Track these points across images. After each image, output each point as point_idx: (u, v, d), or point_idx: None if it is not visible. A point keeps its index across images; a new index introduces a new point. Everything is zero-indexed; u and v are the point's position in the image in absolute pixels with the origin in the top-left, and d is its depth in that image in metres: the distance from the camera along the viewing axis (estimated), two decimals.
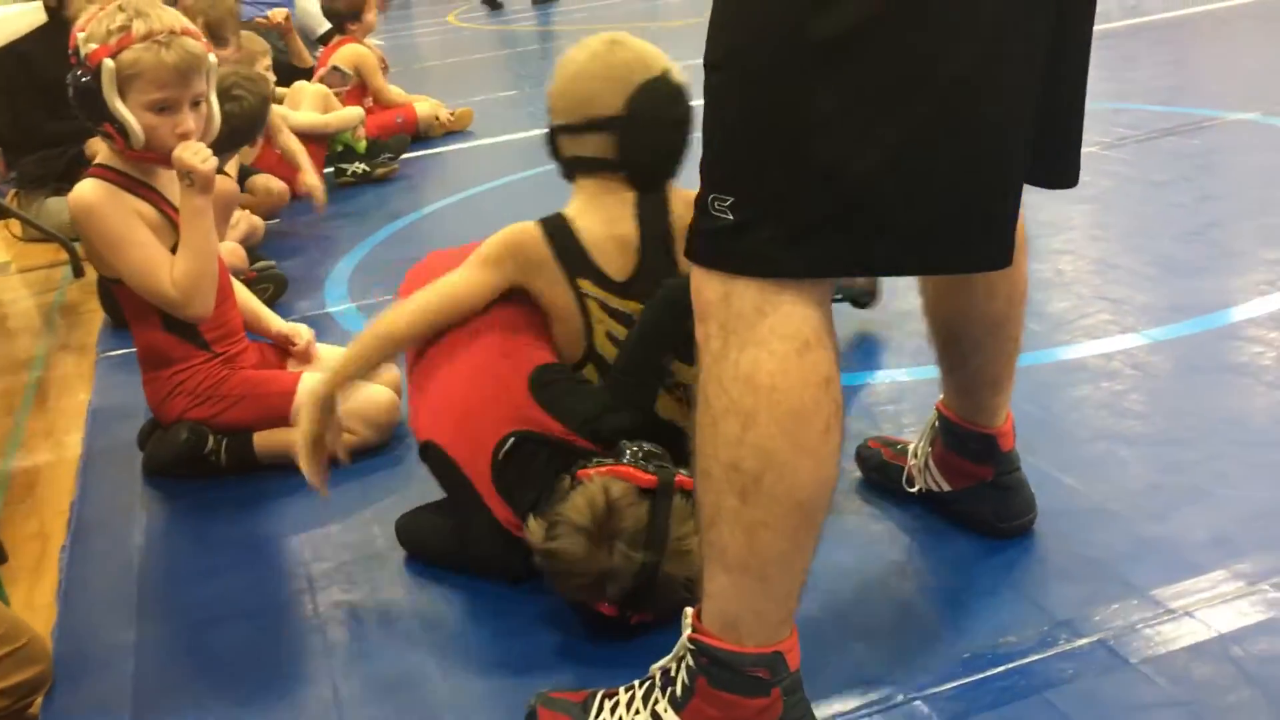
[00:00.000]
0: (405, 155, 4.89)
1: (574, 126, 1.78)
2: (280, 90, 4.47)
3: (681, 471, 1.54)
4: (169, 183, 2.24)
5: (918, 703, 1.41)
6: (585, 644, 1.62)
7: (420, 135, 5.22)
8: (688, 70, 1.80)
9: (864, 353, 2.44)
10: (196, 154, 2.14)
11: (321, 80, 4.81)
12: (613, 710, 1.37)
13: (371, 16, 5.26)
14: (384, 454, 2.28)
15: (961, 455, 1.73)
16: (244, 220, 3.59)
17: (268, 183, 3.96)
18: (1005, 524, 1.72)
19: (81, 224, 2.23)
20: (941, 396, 1.74)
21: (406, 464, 2.24)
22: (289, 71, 5.24)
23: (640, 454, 1.59)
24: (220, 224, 2.96)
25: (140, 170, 2.23)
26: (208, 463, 2.26)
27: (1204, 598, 1.52)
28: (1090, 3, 1.31)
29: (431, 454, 1.80)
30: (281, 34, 5.51)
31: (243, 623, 1.80)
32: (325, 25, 5.77)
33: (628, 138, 1.75)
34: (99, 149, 2.31)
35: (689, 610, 1.31)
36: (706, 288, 1.18)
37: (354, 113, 4.58)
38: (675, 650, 1.33)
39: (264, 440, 2.27)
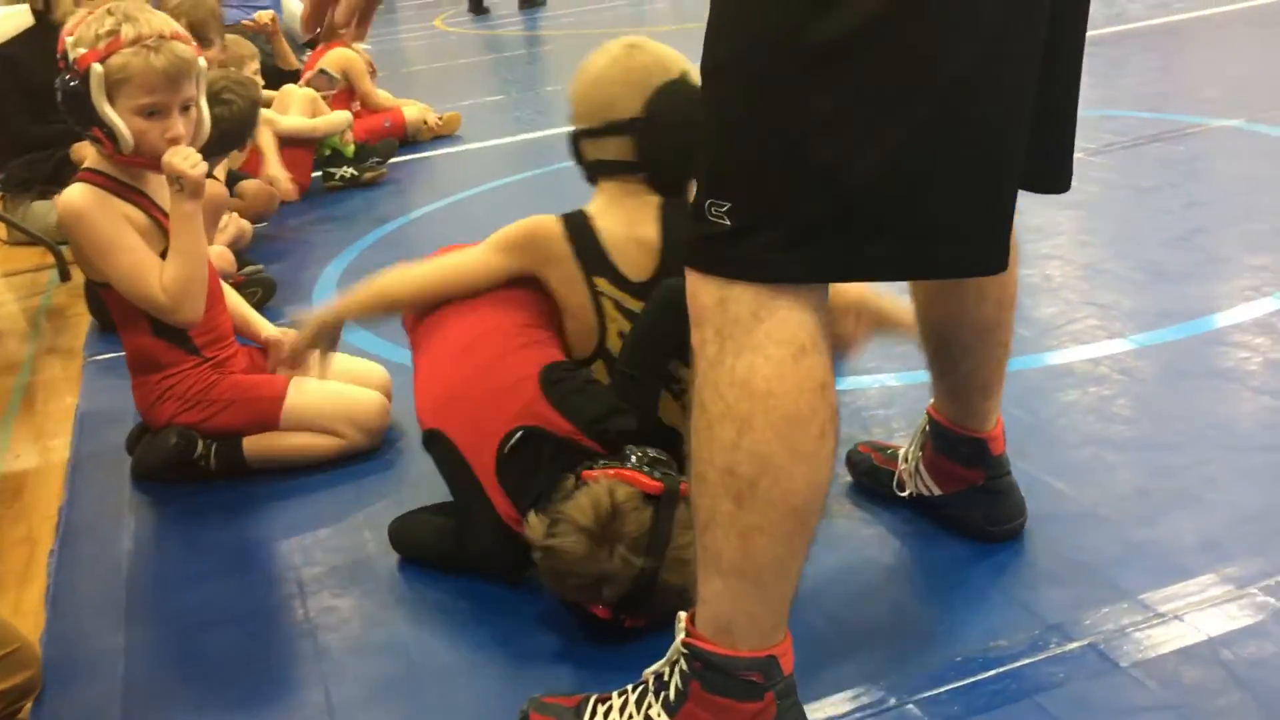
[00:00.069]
0: (393, 159, 4.89)
1: (595, 130, 1.80)
2: (268, 94, 4.46)
3: (685, 479, 1.55)
4: (158, 187, 2.24)
5: (910, 706, 1.42)
6: (578, 648, 1.62)
7: (408, 139, 5.21)
8: None
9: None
10: (186, 159, 2.14)
11: (308, 84, 4.81)
12: (605, 715, 1.37)
13: None
14: (374, 458, 2.28)
15: (952, 459, 1.73)
16: (232, 224, 3.58)
17: (256, 187, 3.95)
18: (996, 528, 1.72)
19: (70, 229, 2.23)
20: (932, 401, 1.75)
21: (397, 468, 2.24)
22: (275, 75, 5.23)
23: (645, 459, 1.59)
24: (209, 228, 2.94)
25: (129, 175, 2.23)
26: (197, 467, 2.25)
27: (1193, 601, 1.53)
28: (1083, 4, 1.32)
29: (436, 443, 1.80)
30: (267, 36, 5.50)
31: (233, 628, 1.79)
32: None
33: (647, 140, 1.77)
34: (86, 153, 2.30)
35: (682, 614, 1.31)
36: (702, 293, 1.18)
37: (342, 117, 4.58)
38: (668, 654, 1.33)
39: (253, 445, 2.26)
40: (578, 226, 1.81)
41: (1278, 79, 4.26)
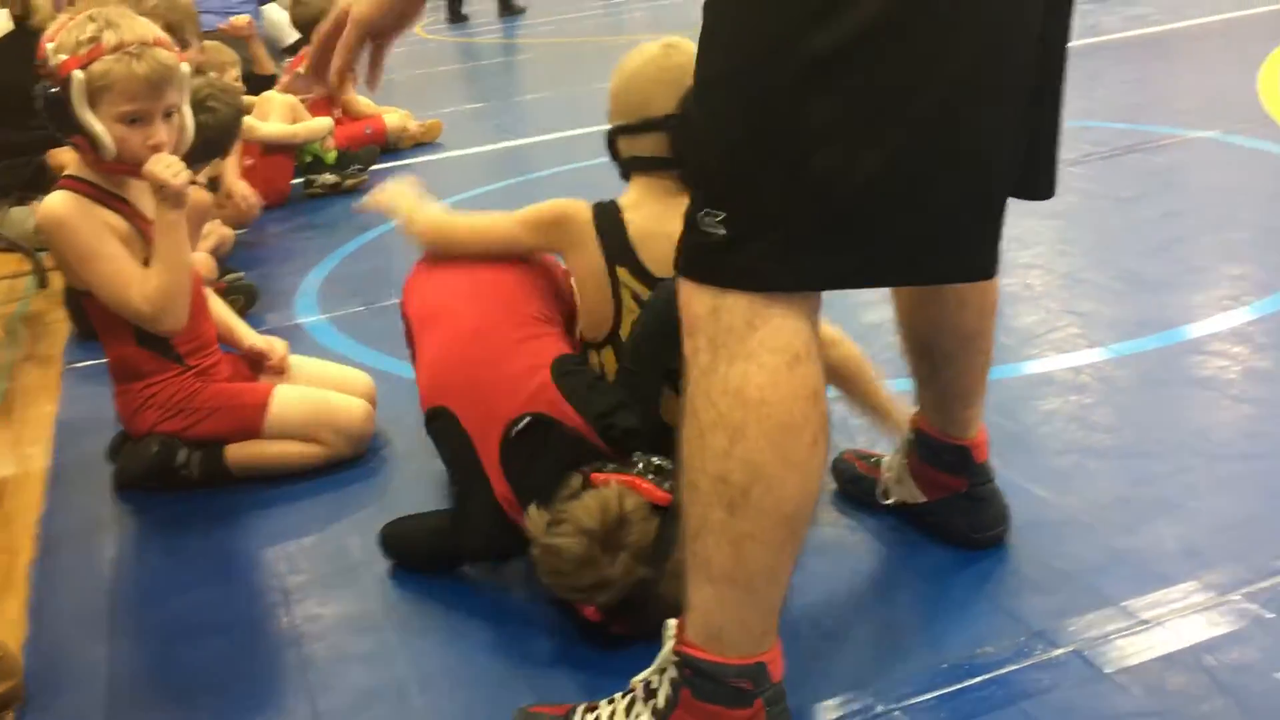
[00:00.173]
0: (374, 166, 4.88)
1: (631, 127, 1.82)
2: (247, 100, 4.45)
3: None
4: (141, 193, 2.23)
5: (896, 713, 1.42)
6: (567, 657, 1.62)
7: (389, 147, 5.21)
8: None
9: None
10: (168, 167, 2.13)
11: (286, 87, 4.80)
12: None
13: None
14: (358, 466, 2.27)
15: (936, 467, 1.74)
16: (214, 230, 3.57)
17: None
18: (979, 535, 1.73)
19: (51, 237, 2.21)
20: (916, 409, 1.76)
21: (382, 476, 2.24)
22: (252, 80, 5.21)
23: (652, 467, 1.60)
24: (193, 235, 2.93)
25: (111, 181, 2.22)
26: (179, 475, 2.24)
27: (1176, 608, 1.54)
28: (1069, 8, 1.33)
29: (440, 420, 1.79)
30: (245, 40, 5.48)
31: (217, 637, 1.78)
32: (293, 36, 5.75)
33: (681, 137, 1.78)
34: (65, 159, 2.30)
35: (671, 622, 1.32)
36: (695, 302, 1.19)
37: (322, 123, 4.57)
38: (657, 662, 1.33)
39: (236, 453, 2.25)
40: (607, 215, 1.83)
41: (1251, 92, 4.30)
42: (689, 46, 1.84)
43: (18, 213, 4.09)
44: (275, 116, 4.44)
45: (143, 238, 2.20)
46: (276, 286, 3.44)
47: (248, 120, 4.05)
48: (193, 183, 2.24)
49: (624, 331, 1.81)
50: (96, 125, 2.11)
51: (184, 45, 3.82)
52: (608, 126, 1.86)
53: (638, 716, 1.33)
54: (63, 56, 2.11)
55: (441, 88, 7.35)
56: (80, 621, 1.87)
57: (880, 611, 1.67)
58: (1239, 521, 1.73)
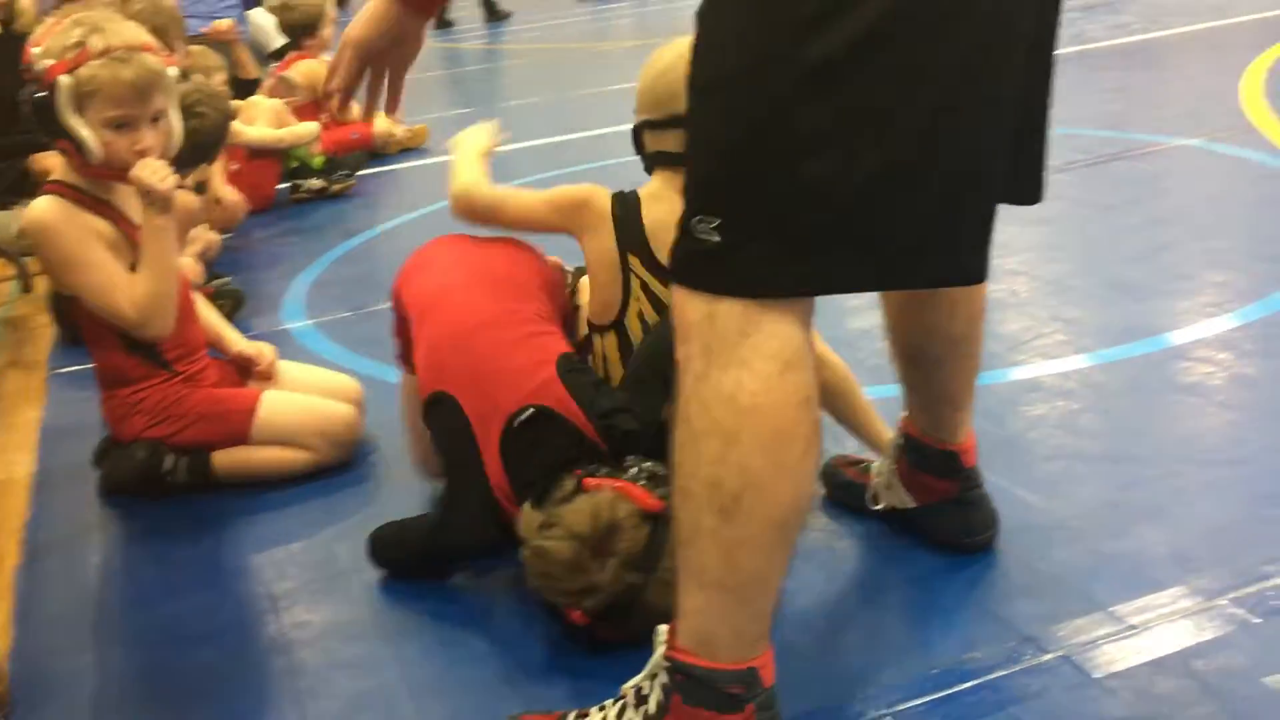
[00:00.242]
0: (361, 171, 4.87)
1: (657, 122, 1.85)
2: (234, 104, 4.43)
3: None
4: (128, 198, 2.22)
5: (888, 718, 1.43)
6: (557, 664, 1.62)
7: (376, 151, 5.20)
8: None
9: None
10: (155, 173, 2.12)
11: (271, 92, 4.79)
12: None
13: (328, 32, 5.23)
14: (346, 472, 2.27)
15: (925, 471, 1.75)
16: (200, 235, 3.55)
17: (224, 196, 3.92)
18: (969, 539, 1.74)
19: (37, 243, 2.20)
20: (905, 414, 1.77)
21: (369, 483, 2.24)
22: (236, 84, 5.19)
23: (644, 473, 1.60)
24: (180, 239, 2.93)
25: (98, 187, 2.21)
26: (166, 481, 2.23)
27: (1164, 613, 1.55)
28: (1057, 15, 1.34)
29: (441, 406, 1.79)
30: (228, 44, 5.46)
31: (205, 644, 1.77)
32: (279, 41, 5.73)
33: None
34: (49, 164, 2.29)
35: (662, 628, 1.32)
36: (689, 308, 1.19)
37: (308, 128, 4.56)
38: (648, 668, 1.33)
39: (223, 459, 2.24)
40: (626, 204, 1.87)
41: (1233, 100, 4.33)
42: None
43: (1, 217, 4.06)
44: (261, 121, 4.43)
45: (130, 243, 2.19)
46: (263, 291, 3.43)
47: (234, 124, 4.04)
48: (179, 187, 2.23)
49: (630, 317, 1.85)
50: (83, 130, 2.10)
51: (170, 49, 3.81)
52: (634, 121, 1.89)
53: None
54: (49, 61, 2.10)
55: (427, 93, 7.33)
56: (66, 628, 1.86)
57: (870, 617, 1.67)
58: (1226, 526, 1.74)
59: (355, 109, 5.24)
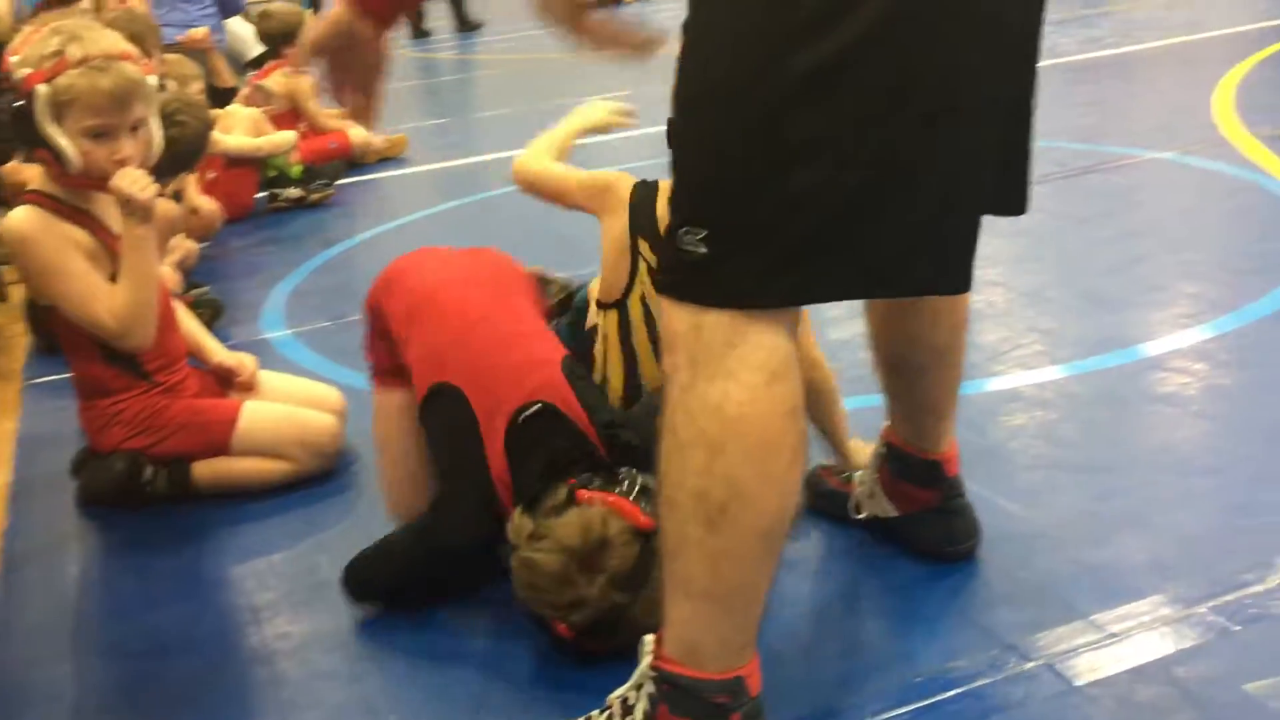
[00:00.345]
0: (339, 180, 4.86)
1: None
2: (212, 113, 4.42)
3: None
4: (107, 208, 2.20)
5: None
6: (542, 676, 1.62)
7: (354, 161, 5.19)
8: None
9: None
10: (135, 182, 2.10)
11: (248, 101, 4.78)
12: None
13: None
14: (328, 482, 2.26)
15: (908, 481, 1.76)
16: (178, 244, 3.54)
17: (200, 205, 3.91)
18: (951, 548, 1.75)
19: (16, 253, 2.19)
20: (887, 423, 1.78)
21: (351, 493, 2.23)
22: (212, 92, 5.17)
23: (638, 488, 1.60)
24: (160, 248, 2.91)
25: (77, 196, 2.19)
26: (145, 492, 2.21)
27: (1144, 621, 1.57)
28: (1039, 27, 1.35)
29: (444, 397, 1.77)
30: (203, 53, 5.44)
31: (185, 656, 1.76)
32: (256, 50, 5.72)
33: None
34: (25, 174, 2.27)
35: (648, 638, 1.32)
36: (676, 320, 1.19)
37: (286, 137, 4.55)
38: (634, 678, 1.33)
39: (204, 469, 2.23)
40: (644, 191, 1.92)
41: (1206, 114, 4.39)
42: None
43: None
44: (239, 130, 4.42)
45: (109, 253, 2.18)
46: (242, 300, 3.42)
47: (211, 134, 4.03)
48: (159, 195, 2.22)
49: (632, 299, 1.91)
50: (61, 139, 2.09)
51: (146, 57, 3.80)
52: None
53: None
54: (27, 70, 2.09)
55: (403, 102, 7.33)
56: (44, 639, 1.84)
57: (852, 626, 1.68)
58: (1204, 534, 1.76)
59: (332, 116, 5.26)
